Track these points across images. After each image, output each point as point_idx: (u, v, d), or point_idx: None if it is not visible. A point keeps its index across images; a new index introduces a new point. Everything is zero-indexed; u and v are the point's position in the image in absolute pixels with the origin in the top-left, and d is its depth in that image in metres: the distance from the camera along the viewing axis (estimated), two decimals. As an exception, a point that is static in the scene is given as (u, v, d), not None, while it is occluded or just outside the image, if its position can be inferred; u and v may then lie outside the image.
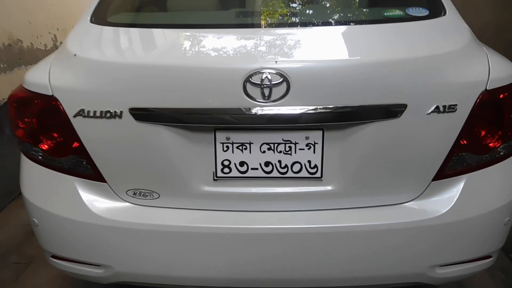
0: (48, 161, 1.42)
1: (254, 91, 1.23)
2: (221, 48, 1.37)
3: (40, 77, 1.37)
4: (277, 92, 1.23)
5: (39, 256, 2.28)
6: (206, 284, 1.47)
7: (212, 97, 1.26)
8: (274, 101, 1.23)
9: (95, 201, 1.41)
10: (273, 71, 1.22)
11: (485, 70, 1.30)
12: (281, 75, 1.22)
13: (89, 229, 1.41)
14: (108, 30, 1.53)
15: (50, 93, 1.32)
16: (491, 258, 1.51)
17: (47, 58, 1.54)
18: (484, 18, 2.72)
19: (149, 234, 1.39)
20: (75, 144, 1.35)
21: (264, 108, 1.24)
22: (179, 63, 1.30)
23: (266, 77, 1.22)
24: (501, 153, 1.38)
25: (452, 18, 1.51)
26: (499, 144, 1.36)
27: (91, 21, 1.59)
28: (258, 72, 1.22)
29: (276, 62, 1.23)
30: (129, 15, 1.77)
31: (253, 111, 1.24)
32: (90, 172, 1.39)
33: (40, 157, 1.43)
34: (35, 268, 2.23)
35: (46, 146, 1.39)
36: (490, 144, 1.36)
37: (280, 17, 1.66)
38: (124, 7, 1.80)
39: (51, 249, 1.52)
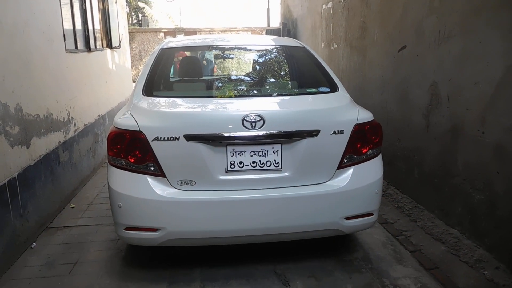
0: (130, 167, 2.54)
1: (247, 124, 2.49)
2: (231, 106, 2.71)
3: (129, 121, 2.55)
4: (258, 125, 2.50)
5: (81, 259, 3.15)
6: (223, 235, 2.57)
7: (226, 128, 2.51)
8: (256, 129, 2.50)
9: (158, 188, 2.52)
10: (256, 114, 2.51)
11: (356, 114, 2.70)
12: (260, 116, 2.51)
13: (154, 204, 2.51)
14: (158, 98, 2.80)
15: (138, 129, 2.50)
16: (373, 215, 2.79)
17: (121, 112, 2.75)
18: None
19: (189, 205, 2.52)
20: (151, 156, 2.51)
21: (252, 133, 2.51)
22: (208, 111, 2.59)
23: (253, 117, 2.50)
24: (370, 155, 2.74)
25: (342, 92, 2.95)
26: (367, 151, 2.72)
27: (143, 94, 2.83)
28: (249, 115, 2.50)
29: (258, 110, 2.54)
30: (166, 92, 3.10)
31: (246, 134, 2.50)
32: (157, 171, 2.53)
33: (124, 165, 2.55)
34: (82, 266, 3.06)
35: (132, 159, 2.53)
36: (363, 151, 2.71)
37: (257, 91, 3.11)
38: (160, 87, 3.11)
39: (128, 221, 2.56)
